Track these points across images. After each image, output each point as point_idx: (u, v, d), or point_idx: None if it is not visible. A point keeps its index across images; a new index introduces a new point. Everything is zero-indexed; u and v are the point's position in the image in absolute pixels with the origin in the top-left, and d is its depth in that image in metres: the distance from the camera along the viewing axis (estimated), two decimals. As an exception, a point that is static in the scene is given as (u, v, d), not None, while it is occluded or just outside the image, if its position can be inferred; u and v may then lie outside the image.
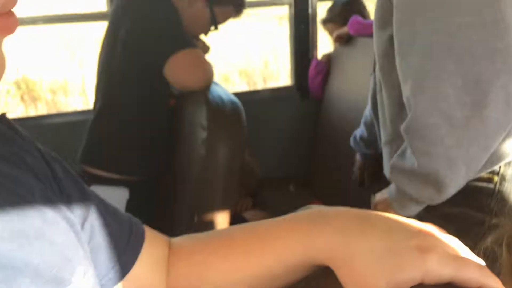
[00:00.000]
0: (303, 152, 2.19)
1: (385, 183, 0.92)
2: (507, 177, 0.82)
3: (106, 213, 0.42)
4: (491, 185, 0.83)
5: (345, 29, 1.94)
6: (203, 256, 0.44)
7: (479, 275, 0.34)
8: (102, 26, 1.55)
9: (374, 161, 1.39)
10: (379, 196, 0.92)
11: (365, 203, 0.95)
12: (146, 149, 1.43)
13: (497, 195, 0.82)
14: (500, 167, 0.81)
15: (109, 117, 1.43)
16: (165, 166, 1.45)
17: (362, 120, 1.34)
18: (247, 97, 2.17)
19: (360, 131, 1.36)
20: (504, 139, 0.77)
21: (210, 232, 0.48)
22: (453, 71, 0.70)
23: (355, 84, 1.87)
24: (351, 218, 0.40)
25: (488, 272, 0.34)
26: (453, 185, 0.77)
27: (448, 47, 0.71)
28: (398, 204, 0.86)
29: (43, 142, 0.40)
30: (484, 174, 0.82)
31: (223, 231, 0.52)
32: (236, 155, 1.38)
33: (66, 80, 6.40)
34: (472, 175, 0.79)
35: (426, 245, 0.34)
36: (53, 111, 6.01)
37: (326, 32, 2.16)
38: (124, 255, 0.42)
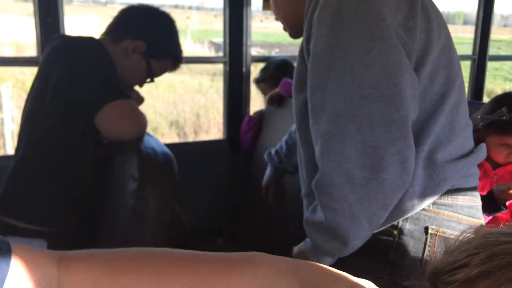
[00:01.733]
0: (233, 205, 2.20)
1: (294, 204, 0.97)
2: (405, 231, 0.89)
3: None
4: (390, 238, 0.90)
5: (276, 90, 2.04)
6: (95, 274, 0.43)
7: None
8: (25, 71, 1.51)
9: (280, 178, 1.49)
10: (297, 249, 0.96)
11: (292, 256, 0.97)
12: (69, 199, 1.36)
13: (396, 247, 0.90)
14: (398, 222, 0.89)
15: (31, 164, 1.35)
16: (90, 218, 1.39)
17: (285, 138, 1.44)
18: (179, 149, 2.17)
19: (278, 146, 1.45)
20: (403, 197, 0.85)
21: (109, 250, 0.46)
22: (355, 136, 0.79)
23: (285, 141, 1.95)
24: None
25: None
26: (357, 239, 0.84)
27: (351, 115, 0.79)
28: (313, 257, 0.90)
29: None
30: (385, 228, 0.90)
31: (120, 251, 0.48)
32: (166, 207, 1.36)
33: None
34: (374, 230, 0.86)
35: None
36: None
37: (258, 90, 2.26)
38: None
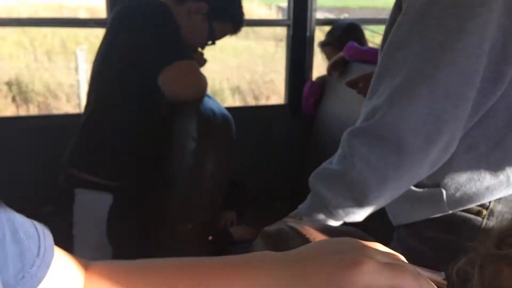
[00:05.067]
0: (292, 170, 2.20)
1: None
2: (495, 213, 0.83)
3: (14, 226, 0.40)
4: (479, 218, 0.84)
5: (340, 55, 1.96)
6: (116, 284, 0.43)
7: (416, 282, 0.35)
8: (99, 34, 1.56)
9: None
10: (292, 213, 0.92)
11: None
12: (134, 156, 1.42)
13: (484, 229, 0.83)
14: (490, 202, 0.83)
15: (99, 122, 1.42)
16: (153, 174, 1.44)
17: None
18: (240, 113, 2.18)
19: None
20: (497, 175, 0.79)
21: (131, 261, 0.46)
22: (424, 99, 0.72)
23: (347, 107, 1.89)
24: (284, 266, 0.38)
25: (423, 279, 0.35)
26: (371, 206, 0.77)
27: (430, 76, 0.72)
28: (312, 213, 0.85)
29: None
30: (474, 207, 0.83)
31: (145, 262, 0.47)
32: (224, 168, 1.38)
33: (60, 83, 6.39)
34: (390, 200, 0.79)
35: (359, 260, 0.34)
36: (44, 112, 5.96)
37: (323, 54, 2.19)
38: (34, 266, 0.40)
